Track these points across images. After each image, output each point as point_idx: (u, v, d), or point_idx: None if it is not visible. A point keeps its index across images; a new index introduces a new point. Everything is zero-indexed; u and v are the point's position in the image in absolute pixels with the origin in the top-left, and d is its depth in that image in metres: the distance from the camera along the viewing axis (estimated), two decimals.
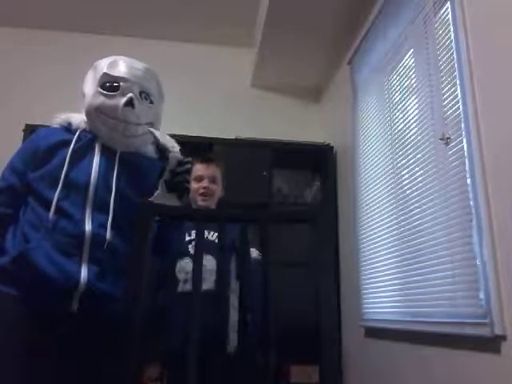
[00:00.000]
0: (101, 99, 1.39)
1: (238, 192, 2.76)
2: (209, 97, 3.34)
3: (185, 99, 3.31)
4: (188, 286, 1.78)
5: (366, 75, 2.47)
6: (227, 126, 3.11)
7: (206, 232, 1.88)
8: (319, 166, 3.03)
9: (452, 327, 1.46)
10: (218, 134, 2.92)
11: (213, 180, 2.05)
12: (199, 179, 2.03)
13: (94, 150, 1.41)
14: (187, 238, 1.90)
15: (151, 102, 1.51)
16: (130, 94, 1.39)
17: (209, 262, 1.79)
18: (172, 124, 2.98)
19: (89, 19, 3.22)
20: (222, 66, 3.46)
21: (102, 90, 1.40)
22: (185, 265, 1.84)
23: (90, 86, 1.44)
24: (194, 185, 2.01)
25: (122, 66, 1.45)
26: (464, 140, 1.46)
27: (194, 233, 1.89)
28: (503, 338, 1.24)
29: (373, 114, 2.35)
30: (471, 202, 1.41)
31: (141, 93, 1.46)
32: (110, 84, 1.40)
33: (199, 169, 2.07)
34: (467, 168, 1.44)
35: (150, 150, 1.64)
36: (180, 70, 3.40)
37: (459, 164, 1.49)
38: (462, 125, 1.48)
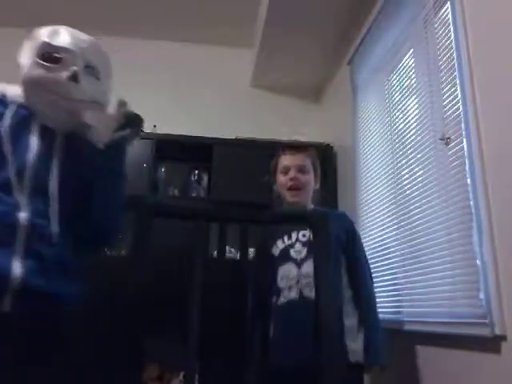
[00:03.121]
0: (39, 71, 1.22)
1: (238, 192, 2.77)
2: (209, 97, 3.34)
3: (185, 99, 3.31)
4: (293, 294, 1.64)
5: (366, 75, 2.47)
6: (227, 126, 3.11)
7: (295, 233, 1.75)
8: (319, 165, 3.03)
9: (452, 327, 1.46)
10: (218, 134, 2.92)
11: (301, 169, 1.80)
12: (285, 171, 1.80)
13: (30, 128, 1.23)
14: (286, 243, 1.75)
15: (98, 79, 1.32)
16: (73, 68, 1.23)
17: (308, 268, 1.64)
18: (172, 124, 2.99)
19: (89, 20, 3.21)
20: (222, 66, 3.46)
21: (40, 61, 1.23)
22: (287, 271, 1.68)
23: (27, 55, 1.27)
24: (280, 178, 1.81)
25: (64, 36, 1.28)
26: (464, 140, 1.47)
27: (293, 236, 1.75)
28: (503, 338, 1.24)
29: (373, 114, 2.35)
30: (471, 202, 1.41)
31: (86, 67, 1.28)
32: (50, 55, 1.24)
33: (285, 160, 1.82)
34: (467, 168, 1.44)
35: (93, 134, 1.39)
36: (180, 70, 3.40)
37: (459, 164, 1.49)
38: (462, 125, 1.48)
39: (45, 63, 1.23)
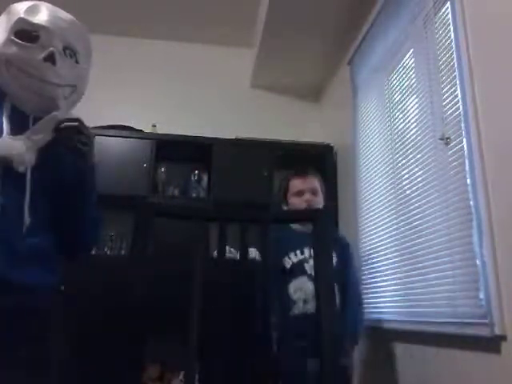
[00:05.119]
0: (13, 49, 1.14)
1: (238, 192, 2.77)
2: (209, 97, 3.34)
3: (185, 99, 3.31)
4: (309, 306, 1.75)
5: (366, 75, 2.47)
6: (227, 126, 3.11)
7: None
8: (319, 165, 3.03)
9: (452, 327, 1.46)
10: (218, 134, 2.92)
11: (314, 192, 1.96)
12: (300, 194, 1.95)
13: (1, 110, 1.16)
14: (299, 257, 1.87)
15: (77, 62, 1.23)
16: (51, 48, 1.15)
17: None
18: (172, 124, 2.99)
19: (89, 19, 3.21)
20: (222, 65, 3.46)
21: (15, 39, 1.14)
22: (302, 284, 1.80)
23: (1, 31, 1.17)
24: (294, 201, 1.96)
25: (44, 13, 1.19)
26: (464, 140, 1.47)
27: (305, 251, 1.87)
28: (503, 338, 1.24)
29: (373, 113, 2.35)
30: (471, 202, 1.41)
31: (65, 48, 1.20)
32: (26, 32, 1.15)
33: (297, 183, 1.99)
34: (467, 168, 1.44)
35: None
36: (180, 69, 3.40)
37: (459, 164, 1.49)
38: (462, 125, 1.48)
39: (20, 41, 1.14)
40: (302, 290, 1.80)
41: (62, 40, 1.19)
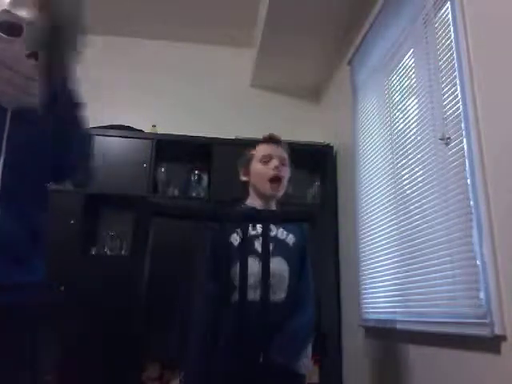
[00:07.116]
0: None
1: (237, 192, 2.76)
2: (209, 97, 3.34)
3: (185, 99, 3.31)
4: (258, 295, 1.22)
5: (366, 75, 2.47)
6: (227, 126, 3.11)
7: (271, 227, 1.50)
8: (319, 165, 3.03)
9: (452, 327, 1.46)
10: (218, 134, 2.92)
11: (283, 162, 1.63)
12: (267, 160, 1.61)
13: None
14: (253, 233, 1.45)
15: None
16: None
17: (279, 265, 1.37)
18: (172, 124, 2.99)
19: (89, 19, 3.21)
20: (222, 66, 3.46)
21: None
22: (250, 266, 1.23)
23: None
24: (258, 167, 1.62)
25: (29, 5, 1.13)
26: (464, 140, 1.47)
27: (258, 226, 1.42)
28: (503, 338, 1.24)
29: (373, 113, 2.35)
30: (471, 202, 1.41)
31: None
32: (10, 25, 1.12)
33: (266, 148, 1.64)
34: (467, 168, 1.44)
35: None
36: (180, 70, 3.40)
37: (459, 164, 1.49)
38: (462, 125, 1.48)
39: (3, 35, 1.11)
40: (252, 274, 1.24)
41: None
